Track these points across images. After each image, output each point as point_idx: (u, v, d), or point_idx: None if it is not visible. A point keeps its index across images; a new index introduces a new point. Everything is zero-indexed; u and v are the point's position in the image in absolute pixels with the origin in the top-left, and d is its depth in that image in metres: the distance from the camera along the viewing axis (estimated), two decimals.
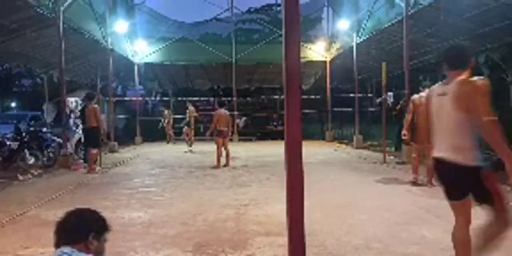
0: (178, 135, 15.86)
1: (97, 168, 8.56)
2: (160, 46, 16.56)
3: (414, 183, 6.40)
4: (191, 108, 13.47)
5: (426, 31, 10.79)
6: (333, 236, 3.89)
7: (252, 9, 19.33)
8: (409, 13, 9.13)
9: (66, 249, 1.57)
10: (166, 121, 15.62)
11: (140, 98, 17.81)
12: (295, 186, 2.75)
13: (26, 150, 8.48)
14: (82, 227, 1.67)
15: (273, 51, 15.45)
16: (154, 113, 20.16)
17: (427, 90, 4.45)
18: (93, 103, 8.53)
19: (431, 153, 2.91)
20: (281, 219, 4.16)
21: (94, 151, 8.41)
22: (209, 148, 11.31)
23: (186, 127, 13.45)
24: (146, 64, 17.00)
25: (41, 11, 8.87)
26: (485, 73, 12.57)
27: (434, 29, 10.56)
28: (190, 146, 12.99)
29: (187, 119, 13.39)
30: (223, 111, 9.07)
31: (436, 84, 2.93)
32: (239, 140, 15.74)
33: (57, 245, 1.64)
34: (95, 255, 1.66)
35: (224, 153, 8.99)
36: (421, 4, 8.82)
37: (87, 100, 8.67)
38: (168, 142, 15.71)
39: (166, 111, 15.91)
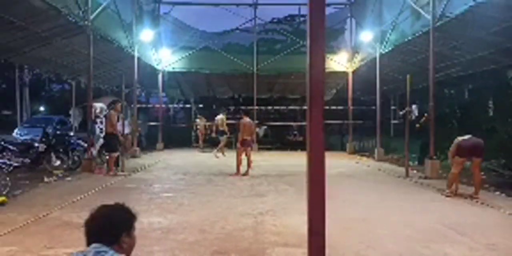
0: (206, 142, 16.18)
1: (118, 172, 8.78)
2: (184, 55, 16.88)
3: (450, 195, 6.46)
4: (219, 116, 13.85)
5: (452, 43, 10.62)
6: (352, 250, 3.83)
7: (275, 20, 19.48)
8: (436, 25, 9.03)
9: (102, 247, 1.56)
10: (199, 128, 16.01)
11: (163, 105, 18.11)
12: (316, 197, 2.74)
13: (52, 153, 8.76)
14: (115, 229, 1.64)
15: (295, 61, 15.51)
16: (176, 120, 20.43)
17: None
18: (113, 110, 8.86)
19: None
20: (299, 230, 4.14)
21: (112, 155, 8.73)
22: (230, 156, 11.36)
23: (219, 136, 13.86)
24: (169, 72, 17.33)
25: (72, 20, 9.22)
26: None
27: (460, 42, 10.39)
28: (223, 153, 13.31)
29: (220, 128, 13.71)
30: (247, 120, 9.14)
31: None
32: (259, 149, 15.75)
33: (89, 245, 1.61)
34: (127, 252, 1.66)
35: (244, 162, 9.02)
36: (447, 17, 8.71)
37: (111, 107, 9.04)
38: (202, 148, 15.56)
39: (199, 119, 16.25)
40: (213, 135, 14.97)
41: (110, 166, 8.70)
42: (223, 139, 13.64)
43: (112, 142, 8.78)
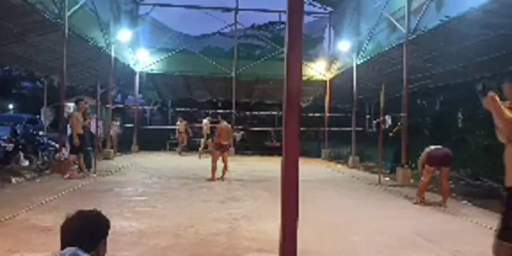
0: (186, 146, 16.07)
1: (88, 174, 8.54)
2: (162, 57, 16.71)
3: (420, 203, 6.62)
4: (205, 121, 14.10)
5: (425, 56, 10.99)
6: None
7: (255, 25, 19.62)
8: (410, 38, 9.33)
9: (77, 251, 1.53)
10: (179, 131, 15.73)
11: (139, 107, 17.84)
12: (290, 203, 2.76)
13: (21, 153, 8.45)
14: (94, 236, 1.63)
15: (274, 67, 15.64)
16: (152, 122, 20.16)
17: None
18: (76, 111, 8.56)
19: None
20: (273, 236, 4.14)
21: (71, 157, 8.40)
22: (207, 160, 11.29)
23: (202, 139, 14.16)
24: (147, 73, 17.11)
25: (47, 17, 8.98)
26: (482, 101, 12.77)
27: (433, 55, 10.76)
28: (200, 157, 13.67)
29: (203, 131, 14.01)
30: (224, 124, 9.12)
31: None
32: (236, 153, 15.72)
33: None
34: None
35: (220, 167, 8.97)
36: (422, 30, 9.02)
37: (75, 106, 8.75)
38: (180, 153, 15.52)
39: (180, 121, 15.97)
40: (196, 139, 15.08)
41: (79, 166, 8.39)
42: (205, 142, 13.87)
43: (72, 142, 8.39)
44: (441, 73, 11.95)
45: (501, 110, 2.52)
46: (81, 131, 8.39)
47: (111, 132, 14.08)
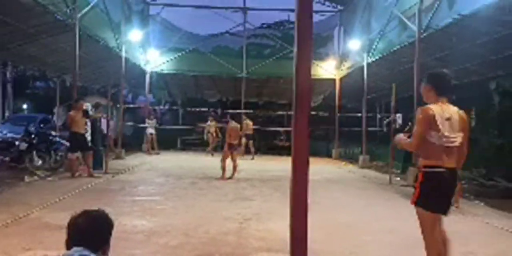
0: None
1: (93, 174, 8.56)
2: (172, 57, 16.80)
3: None
4: (248, 121, 14.15)
5: (437, 55, 10.85)
6: None
7: (264, 25, 19.60)
8: (421, 36, 9.22)
9: (84, 251, 1.55)
10: (209, 131, 15.05)
11: (150, 107, 17.97)
12: (299, 202, 2.76)
13: (34, 152, 8.58)
14: (101, 236, 1.65)
15: (284, 66, 15.60)
16: (162, 122, 20.28)
17: None
18: (73, 109, 8.56)
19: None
20: (283, 235, 4.14)
21: (71, 156, 8.39)
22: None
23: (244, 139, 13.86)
24: (157, 73, 17.22)
25: (59, 17, 9.10)
26: (495, 100, 12.54)
27: (445, 53, 10.62)
28: (253, 158, 13.90)
29: (245, 131, 13.69)
30: (234, 124, 9.15)
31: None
32: (245, 153, 15.72)
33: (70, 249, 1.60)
34: None
35: (230, 166, 9.00)
36: (433, 28, 8.90)
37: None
38: (212, 154, 14.60)
39: (211, 120, 15.16)
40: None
41: (72, 166, 8.34)
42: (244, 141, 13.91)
43: (72, 142, 8.46)
44: (453, 72, 11.72)
45: (409, 145, 3.14)
46: (79, 131, 8.39)
47: (150, 131, 14.49)
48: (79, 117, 8.44)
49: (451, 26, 8.45)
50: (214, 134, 15.15)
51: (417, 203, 3.05)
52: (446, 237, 3.17)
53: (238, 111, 16.21)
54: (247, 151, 14.41)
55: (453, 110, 3.02)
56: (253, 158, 13.95)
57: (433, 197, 3.01)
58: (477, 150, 10.23)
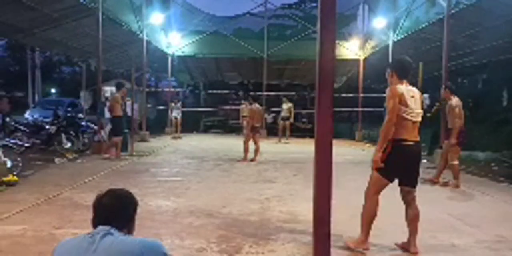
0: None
1: (123, 156, 8.77)
2: (194, 39, 16.75)
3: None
4: (289, 104, 13.83)
5: (467, 32, 10.38)
6: None
7: (285, 5, 19.20)
8: (451, 13, 8.80)
9: (111, 230, 1.58)
10: (243, 114, 13.95)
11: (172, 89, 18.13)
12: (323, 185, 2.74)
13: (63, 135, 8.86)
14: (127, 213, 1.68)
15: (306, 47, 15.29)
16: (185, 105, 20.49)
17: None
18: (118, 93, 8.61)
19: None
20: (305, 217, 4.16)
21: (115, 139, 8.59)
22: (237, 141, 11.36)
23: (281, 121, 13.91)
24: (179, 56, 17.26)
25: (82, 1, 9.17)
26: None
27: (475, 30, 10.14)
28: (287, 139, 13.63)
29: (285, 114, 13.70)
30: (256, 106, 9.12)
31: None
32: (268, 135, 15.75)
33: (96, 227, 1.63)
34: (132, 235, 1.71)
35: (252, 148, 9.03)
36: (464, 4, 8.48)
37: (116, 90, 8.85)
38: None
39: (248, 104, 14.65)
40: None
41: (116, 148, 8.58)
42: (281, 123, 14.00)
43: (117, 125, 8.62)
44: (484, 50, 11.28)
45: (385, 125, 3.35)
46: (120, 113, 8.62)
47: (173, 114, 14.52)
48: (121, 100, 8.61)
49: (482, 1, 8.03)
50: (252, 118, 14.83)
51: (378, 170, 3.39)
52: (418, 214, 3.52)
53: (259, 93, 16.14)
54: (284, 134, 13.98)
55: (414, 90, 3.40)
56: (286, 142, 13.64)
57: (395, 168, 3.34)
58: (507, 131, 9.86)
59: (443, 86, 6.73)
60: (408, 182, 3.45)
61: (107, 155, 8.52)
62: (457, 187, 6.25)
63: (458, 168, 6.36)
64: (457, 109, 6.10)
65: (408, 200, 3.51)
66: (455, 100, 6.19)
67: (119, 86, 8.73)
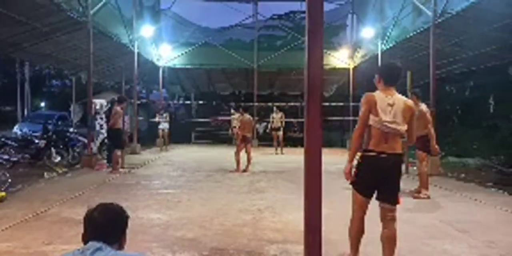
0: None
1: (120, 169, 8.73)
2: (184, 51, 16.82)
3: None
4: (280, 113, 13.78)
5: (453, 40, 10.57)
6: None
7: (275, 16, 19.40)
8: (437, 22, 8.98)
9: (101, 245, 1.56)
10: (234, 125, 14.15)
11: (163, 101, 18.09)
12: (313, 194, 2.74)
13: (52, 149, 8.77)
14: (118, 229, 1.66)
15: (296, 57, 15.46)
16: (176, 117, 20.44)
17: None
18: (120, 106, 8.66)
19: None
20: (298, 227, 4.14)
21: (119, 152, 8.59)
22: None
23: (273, 132, 13.81)
24: (170, 68, 17.29)
25: (72, 15, 9.19)
26: None
27: (462, 38, 10.34)
28: (281, 151, 13.38)
29: (276, 124, 13.57)
30: (247, 116, 9.14)
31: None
32: (259, 145, 15.74)
33: (87, 243, 1.61)
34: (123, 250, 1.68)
35: (244, 158, 9.01)
36: (449, 13, 8.66)
37: (116, 102, 8.84)
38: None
39: (233, 114, 14.68)
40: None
41: (114, 163, 8.52)
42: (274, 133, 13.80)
43: (119, 138, 8.65)
44: (471, 57, 11.49)
45: (353, 137, 3.20)
46: (121, 126, 8.61)
47: (160, 126, 14.30)
48: (122, 115, 8.64)
49: (468, 10, 8.21)
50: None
51: (352, 183, 3.21)
52: (393, 236, 3.13)
53: (250, 103, 16.19)
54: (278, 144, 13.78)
55: (399, 98, 3.12)
56: (282, 153, 13.40)
57: (365, 181, 3.11)
58: (496, 137, 9.99)
59: (410, 92, 6.73)
60: (385, 198, 3.11)
61: (102, 170, 8.43)
62: (428, 198, 6.03)
63: (426, 177, 6.16)
64: (428, 114, 6.09)
65: (386, 219, 3.15)
66: (424, 106, 6.22)
67: (121, 100, 8.72)
